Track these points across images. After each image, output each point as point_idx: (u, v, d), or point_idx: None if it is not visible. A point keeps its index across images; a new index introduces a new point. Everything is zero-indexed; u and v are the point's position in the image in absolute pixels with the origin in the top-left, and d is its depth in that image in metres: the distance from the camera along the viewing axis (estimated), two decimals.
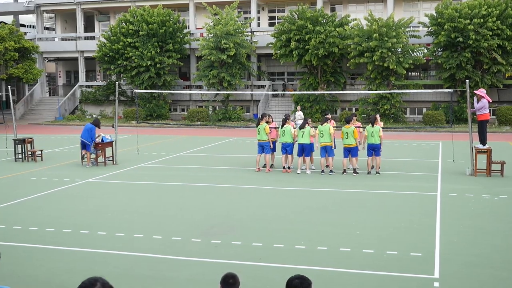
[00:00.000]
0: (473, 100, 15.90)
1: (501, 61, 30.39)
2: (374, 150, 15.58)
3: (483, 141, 15.64)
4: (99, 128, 17.67)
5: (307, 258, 8.20)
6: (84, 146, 17.46)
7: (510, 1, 30.48)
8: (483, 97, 15.43)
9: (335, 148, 16.18)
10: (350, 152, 15.65)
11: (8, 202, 12.38)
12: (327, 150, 15.68)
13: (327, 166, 15.94)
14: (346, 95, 35.04)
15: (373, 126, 15.59)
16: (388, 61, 31.16)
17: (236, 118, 36.36)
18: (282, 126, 16.12)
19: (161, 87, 36.69)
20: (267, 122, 16.44)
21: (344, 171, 15.74)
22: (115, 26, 37.49)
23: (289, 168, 16.28)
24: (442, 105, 33.36)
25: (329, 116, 16.16)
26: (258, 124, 16.45)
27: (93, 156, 17.86)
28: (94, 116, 40.20)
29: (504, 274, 7.55)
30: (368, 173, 15.74)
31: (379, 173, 15.65)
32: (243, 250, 8.69)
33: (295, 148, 16.39)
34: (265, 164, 16.61)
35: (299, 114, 26.53)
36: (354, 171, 15.79)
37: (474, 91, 15.73)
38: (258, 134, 16.35)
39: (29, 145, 19.68)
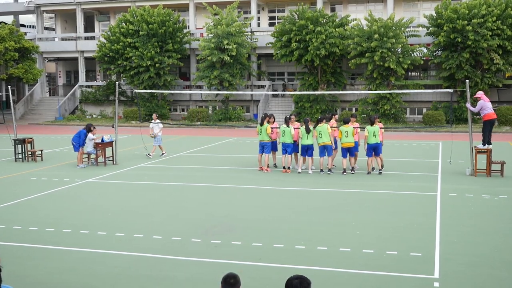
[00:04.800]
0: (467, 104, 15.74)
1: (502, 61, 30.34)
2: (374, 150, 15.58)
3: (483, 141, 15.62)
4: (88, 131, 17.72)
5: (307, 258, 8.20)
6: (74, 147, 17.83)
7: (510, 1, 30.45)
8: (480, 98, 15.43)
9: (335, 148, 16.18)
10: (349, 151, 15.65)
11: (8, 202, 12.38)
12: (326, 150, 15.68)
13: (331, 169, 16.08)
14: (346, 95, 35.00)
15: (372, 125, 15.58)
16: (388, 61, 31.15)
17: (236, 118, 36.36)
18: (287, 125, 16.11)
19: (161, 87, 36.68)
20: (268, 122, 16.49)
21: (344, 170, 15.73)
22: (115, 26, 37.47)
23: (288, 168, 16.29)
24: (442, 105, 33.36)
25: (327, 117, 16.22)
26: (262, 124, 16.48)
27: (93, 156, 17.90)
28: (94, 116, 40.32)
29: (504, 274, 7.55)
30: (368, 173, 15.73)
31: (381, 172, 15.63)
32: (243, 250, 8.69)
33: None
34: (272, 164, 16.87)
35: (157, 125, 19.84)
36: (352, 169, 15.79)
37: (475, 95, 15.71)
38: (260, 134, 16.40)
39: (29, 145, 19.69)
